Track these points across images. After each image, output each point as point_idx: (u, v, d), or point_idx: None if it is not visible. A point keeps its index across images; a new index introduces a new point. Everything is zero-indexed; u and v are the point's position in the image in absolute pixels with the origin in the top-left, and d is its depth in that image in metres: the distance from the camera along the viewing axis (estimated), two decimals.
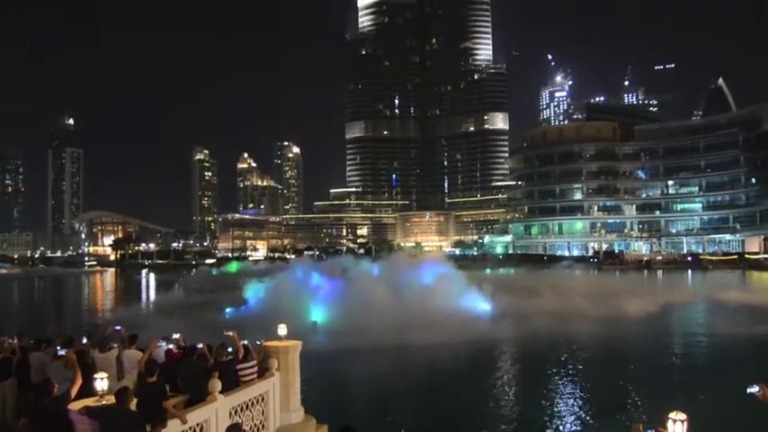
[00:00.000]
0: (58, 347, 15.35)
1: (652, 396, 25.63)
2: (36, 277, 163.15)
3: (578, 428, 22.12)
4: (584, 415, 24.44)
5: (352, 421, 8.21)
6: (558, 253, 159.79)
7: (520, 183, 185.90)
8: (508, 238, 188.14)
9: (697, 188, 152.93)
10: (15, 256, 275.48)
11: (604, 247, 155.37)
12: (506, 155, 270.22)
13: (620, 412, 22.79)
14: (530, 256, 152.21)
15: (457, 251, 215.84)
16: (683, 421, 6.95)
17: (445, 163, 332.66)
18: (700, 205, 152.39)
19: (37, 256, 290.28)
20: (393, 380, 29.20)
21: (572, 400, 26.99)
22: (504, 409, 25.84)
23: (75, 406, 9.01)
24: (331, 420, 14.53)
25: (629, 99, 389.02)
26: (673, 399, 22.06)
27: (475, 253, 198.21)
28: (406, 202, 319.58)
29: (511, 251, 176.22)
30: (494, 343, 39.11)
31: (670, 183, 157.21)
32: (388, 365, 31.12)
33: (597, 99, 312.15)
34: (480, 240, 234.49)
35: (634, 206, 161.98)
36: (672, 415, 7.00)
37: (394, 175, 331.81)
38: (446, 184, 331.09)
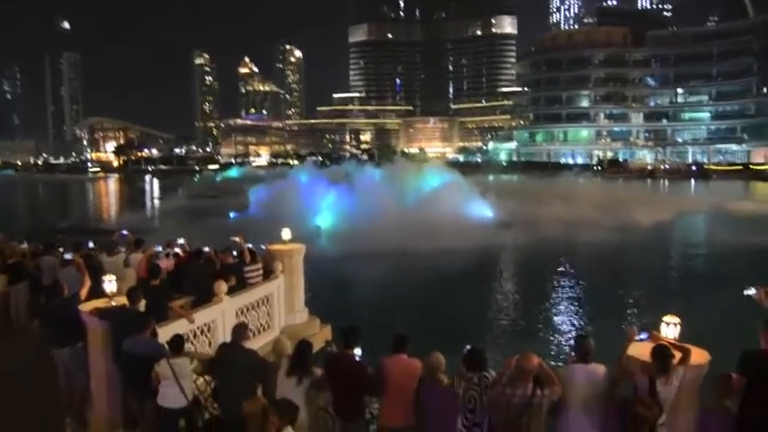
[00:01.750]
0: (66, 252, 15.58)
1: (650, 302, 26.14)
2: (40, 184, 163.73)
3: (576, 332, 22.65)
4: (582, 319, 25.04)
5: (355, 323, 8.33)
6: (563, 161, 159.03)
7: (526, 89, 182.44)
8: (512, 145, 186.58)
9: (707, 97, 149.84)
10: (18, 163, 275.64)
11: (609, 155, 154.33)
12: (513, 60, 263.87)
13: (618, 317, 23.27)
14: (533, 164, 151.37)
15: (460, 158, 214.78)
16: (676, 324, 7.05)
17: (450, 68, 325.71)
18: (708, 114, 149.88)
19: (40, 162, 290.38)
20: (396, 284, 29.68)
21: (571, 306, 27.59)
22: (505, 313, 26.45)
23: (86, 307, 9.16)
24: (335, 321, 14.86)
25: (643, 3, 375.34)
26: (670, 304, 22.45)
27: (479, 160, 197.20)
28: (410, 108, 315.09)
29: (515, 158, 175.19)
30: (497, 250, 39.56)
31: (680, 91, 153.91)
32: (392, 270, 31.55)
33: (609, 2, 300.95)
34: (484, 147, 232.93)
35: (641, 114, 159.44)
36: (666, 318, 7.10)
37: (398, 80, 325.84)
38: (451, 90, 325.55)
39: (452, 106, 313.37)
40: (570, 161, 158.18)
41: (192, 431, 8.41)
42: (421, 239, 36.37)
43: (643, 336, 7.21)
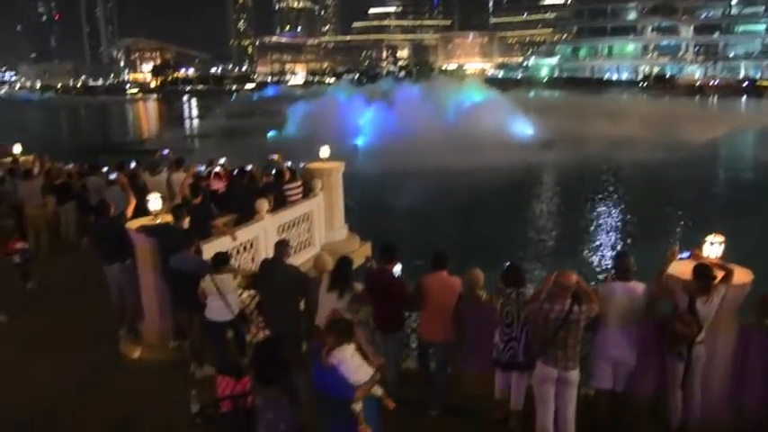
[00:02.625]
0: (111, 172, 15.92)
1: (695, 221, 25.83)
2: (81, 106, 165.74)
3: (616, 252, 22.57)
4: (623, 238, 24.85)
5: (394, 240, 8.42)
6: (607, 76, 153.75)
7: (569, 1, 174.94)
8: (554, 60, 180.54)
9: (763, 8, 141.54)
10: (58, 86, 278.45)
11: (655, 71, 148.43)
12: None
13: (661, 236, 23.01)
14: (576, 80, 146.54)
15: (500, 74, 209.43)
16: (719, 243, 6.96)
17: None
18: (764, 26, 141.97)
19: (79, 85, 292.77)
20: (435, 202, 29.75)
21: (613, 225, 27.38)
22: (544, 231, 26.40)
23: (133, 225, 9.42)
24: (374, 238, 15.04)
25: None
26: (715, 224, 22.07)
27: (519, 76, 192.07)
28: (448, 23, 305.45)
29: (556, 74, 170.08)
30: (537, 168, 39.04)
31: (733, 2, 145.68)
32: (431, 188, 31.57)
33: None
34: (525, 63, 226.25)
35: (691, 27, 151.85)
36: (709, 237, 7.00)
37: None
38: (491, 3, 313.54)
39: (492, 20, 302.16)
40: (615, 77, 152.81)
41: (239, 342, 8.75)
42: (460, 157, 36.13)
43: (685, 254, 7.15)
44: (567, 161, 39.54)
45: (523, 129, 50.99)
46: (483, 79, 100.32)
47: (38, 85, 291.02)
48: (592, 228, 26.87)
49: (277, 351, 5.31)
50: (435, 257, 7.75)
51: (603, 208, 30.32)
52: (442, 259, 7.73)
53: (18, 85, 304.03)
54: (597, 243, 24.49)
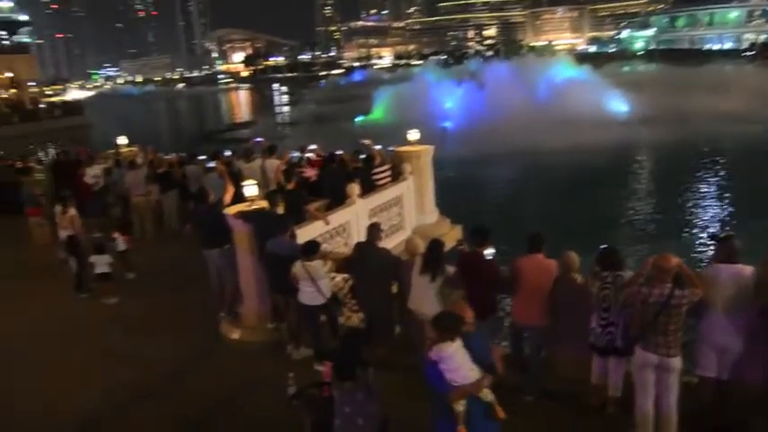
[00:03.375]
0: (208, 160, 16.55)
1: None
2: (178, 97, 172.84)
3: (721, 234, 21.38)
4: (728, 220, 23.53)
5: (485, 223, 8.33)
6: (707, 47, 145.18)
7: None
8: (650, 32, 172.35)
9: None
10: (158, 79, 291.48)
11: (762, 38, 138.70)
12: None
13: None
14: (674, 52, 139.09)
15: (592, 48, 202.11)
16: None
17: None
18: None
19: (176, 77, 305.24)
20: (527, 183, 29.24)
21: (717, 206, 26.01)
22: (643, 213, 25.39)
23: (231, 211, 9.75)
24: (465, 221, 14.93)
25: None
26: None
27: (612, 50, 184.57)
28: None
29: (652, 47, 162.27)
30: (634, 146, 37.46)
31: None
32: (522, 169, 31.04)
33: None
34: (618, 36, 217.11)
35: None
36: None
37: None
38: None
39: None
40: (716, 47, 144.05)
41: (332, 326, 8.94)
42: (552, 137, 35.23)
43: None
44: (667, 139, 37.55)
45: (618, 105, 49.10)
46: (574, 55, 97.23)
47: (138, 78, 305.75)
48: (694, 209, 25.60)
49: (355, 347, 5.39)
50: (531, 239, 7.60)
51: (706, 188, 28.79)
52: (538, 241, 7.57)
53: (122, 80, 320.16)
54: (700, 225, 23.34)
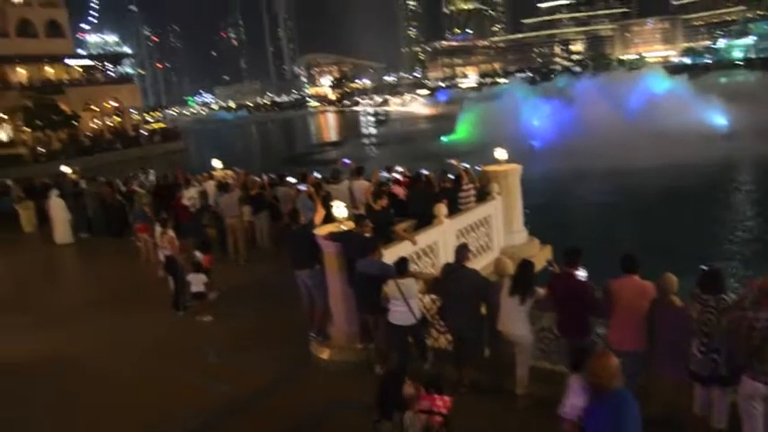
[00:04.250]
0: (298, 182, 16.99)
1: None
2: (268, 121, 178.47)
3: None
4: None
5: (577, 243, 8.14)
6: None
7: None
8: (749, 40, 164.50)
9: None
10: (250, 104, 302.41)
11: None
12: None
13: None
14: None
15: (686, 60, 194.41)
16: None
17: None
18: None
19: (266, 102, 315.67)
20: (619, 203, 28.32)
21: None
22: (745, 232, 23.99)
23: (321, 232, 9.95)
24: (555, 242, 14.62)
25: None
26: None
27: (708, 61, 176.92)
28: (626, 10, 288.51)
29: (753, 56, 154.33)
30: (731, 164, 35.48)
31: None
32: (613, 187, 30.10)
33: None
34: (714, 46, 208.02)
35: None
36: None
37: None
38: None
39: (674, 2, 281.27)
40: None
41: (420, 346, 8.92)
42: (645, 153, 33.96)
43: None
44: None
45: (717, 118, 46.87)
46: (667, 67, 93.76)
47: (231, 104, 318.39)
48: None
49: (393, 389, 5.36)
50: (626, 260, 7.34)
51: None
52: (634, 262, 7.31)
53: (216, 106, 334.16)
54: None
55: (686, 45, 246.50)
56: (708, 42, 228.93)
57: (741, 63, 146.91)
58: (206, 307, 12.36)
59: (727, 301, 6.40)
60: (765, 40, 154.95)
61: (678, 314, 7.06)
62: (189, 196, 18.49)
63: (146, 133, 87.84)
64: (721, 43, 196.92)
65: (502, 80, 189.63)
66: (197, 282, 12.22)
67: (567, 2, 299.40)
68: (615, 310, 7.29)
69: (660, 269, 7.56)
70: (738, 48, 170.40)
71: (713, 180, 31.59)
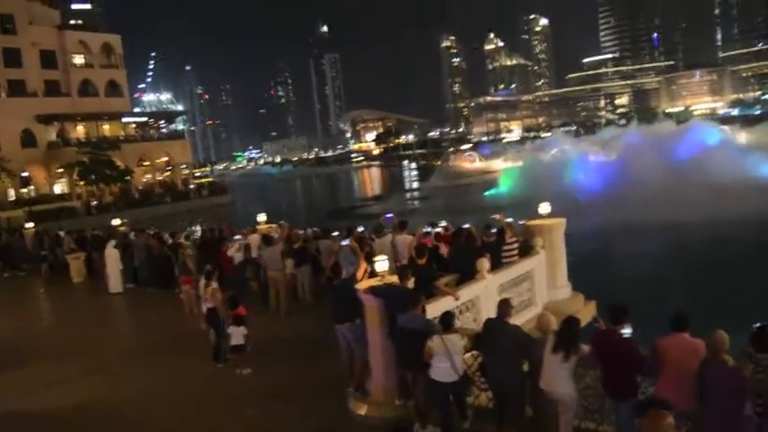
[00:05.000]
0: (341, 236, 17.11)
1: None
2: (313, 176, 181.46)
3: None
4: None
5: (622, 299, 7.95)
6: None
7: None
8: None
9: None
10: (295, 159, 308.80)
11: None
12: None
13: None
14: None
15: (735, 111, 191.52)
16: None
17: (716, 11, 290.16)
18: None
19: (312, 156, 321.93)
20: (666, 257, 27.64)
21: None
22: None
23: (362, 286, 9.96)
24: (600, 297, 14.31)
25: None
26: None
27: (758, 112, 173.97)
28: (671, 63, 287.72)
29: None
30: None
31: None
32: (660, 242, 29.42)
33: None
34: (764, 96, 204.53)
35: None
36: None
37: (655, 34, 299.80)
38: (719, 36, 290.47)
39: (721, 54, 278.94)
40: None
41: (460, 404, 8.74)
42: (693, 207, 33.18)
43: None
44: None
45: (764, 170, 45.75)
46: (716, 119, 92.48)
47: (277, 159, 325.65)
48: None
49: None
50: (675, 318, 7.14)
51: None
52: (683, 320, 7.11)
53: (262, 161, 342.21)
54: None
55: (734, 96, 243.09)
56: (758, 93, 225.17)
57: None
58: (245, 359, 12.40)
59: None
60: None
61: (730, 373, 6.78)
62: (234, 249, 18.81)
63: (194, 187, 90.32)
64: None
65: (546, 134, 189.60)
66: (237, 334, 12.29)
67: (612, 56, 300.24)
68: (663, 369, 7.05)
69: (711, 327, 7.32)
70: None
71: (765, 233, 30.59)
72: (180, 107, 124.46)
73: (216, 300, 13.16)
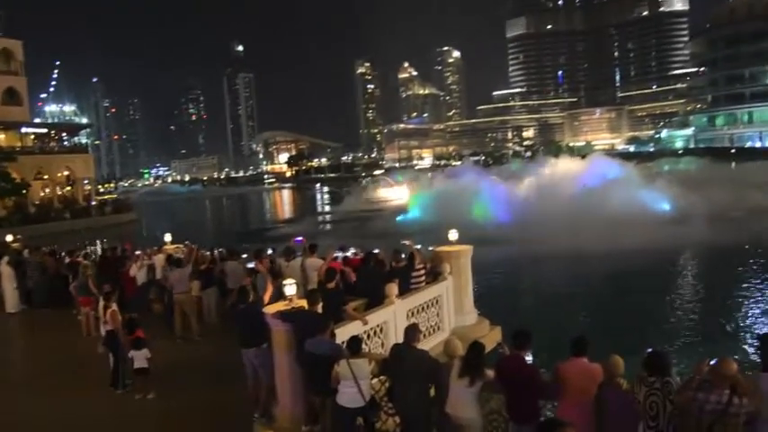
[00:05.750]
0: (249, 259, 16.80)
1: None
2: (223, 196, 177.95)
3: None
4: None
5: (526, 325, 8.17)
6: (748, 144, 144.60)
7: (702, 69, 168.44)
8: (689, 131, 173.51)
9: None
10: (204, 178, 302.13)
11: None
12: (685, 39, 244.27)
13: None
14: (714, 150, 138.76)
15: (631, 148, 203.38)
16: None
17: (615, 54, 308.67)
18: None
19: (222, 177, 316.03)
20: (566, 285, 28.65)
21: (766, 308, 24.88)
22: (687, 317, 24.41)
23: (270, 310, 9.78)
24: (505, 323, 14.66)
25: None
26: None
27: (651, 149, 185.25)
28: (574, 100, 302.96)
29: (692, 145, 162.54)
30: (675, 249, 36.37)
31: None
32: (561, 271, 30.49)
33: None
34: (657, 135, 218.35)
35: None
36: None
37: (560, 72, 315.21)
38: (617, 77, 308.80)
39: (620, 94, 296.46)
40: (758, 144, 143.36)
41: (368, 429, 8.69)
42: (592, 238, 34.64)
43: None
44: (713, 237, 36.29)
45: (660, 204, 48.58)
46: (613, 154, 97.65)
47: (186, 177, 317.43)
48: (742, 312, 24.53)
49: None
50: (575, 343, 7.42)
51: (756, 289, 27.65)
52: (582, 345, 7.39)
53: (170, 179, 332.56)
54: (747, 329, 22.29)
55: (631, 134, 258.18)
56: (651, 132, 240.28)
57: (681, 152, 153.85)
58: (149, 384, 11.88)
59: (672, 383, 6.47)
60: (704, 131, 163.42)
61: (625, 397, 7.09)
62: (136, 269, 18.10)
63: (96, 204, 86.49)
64: (664, 133, 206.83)
65: (456, 162, 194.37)
66: (140, 358, 11.78)
67: (520, 90, 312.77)
68: (564, 393, 7.29)
69: (607, 352, 7.64)
70: (679, 138, 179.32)
71: (658, 263, 32.33)
72: (85, 120, 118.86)
73: (115, 322, 12.56)
